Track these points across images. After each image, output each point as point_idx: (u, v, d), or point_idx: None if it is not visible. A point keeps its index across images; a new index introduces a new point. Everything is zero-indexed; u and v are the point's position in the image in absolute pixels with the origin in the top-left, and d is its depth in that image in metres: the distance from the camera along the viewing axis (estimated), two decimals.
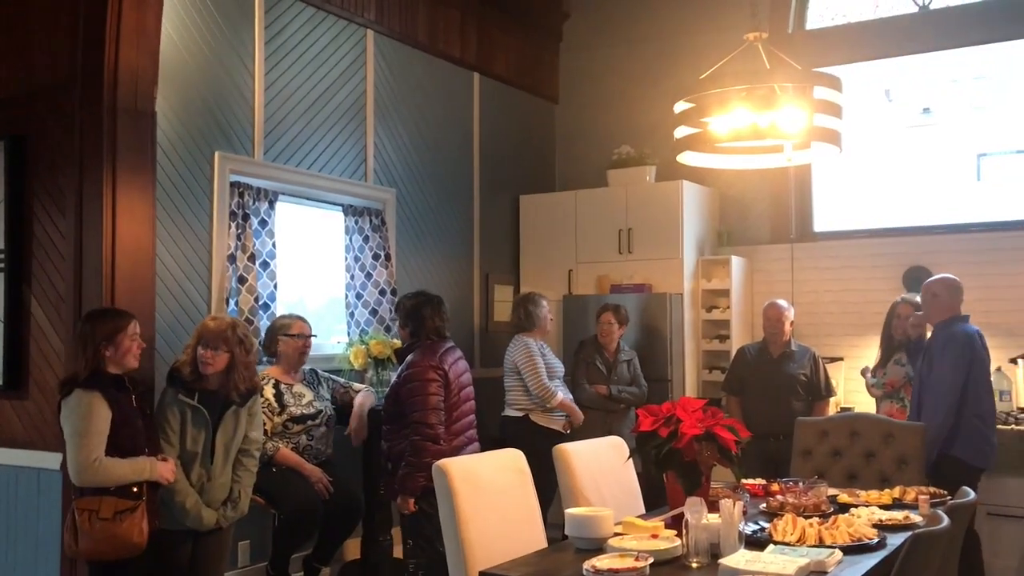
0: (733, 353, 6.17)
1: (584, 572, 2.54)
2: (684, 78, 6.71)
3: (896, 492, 3.56)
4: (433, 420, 3.96)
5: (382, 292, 5.54)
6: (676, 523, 2.98)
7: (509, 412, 5.28)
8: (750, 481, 3.75)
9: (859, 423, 4.35)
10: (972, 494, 2.96)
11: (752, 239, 6.55)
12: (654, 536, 2.85)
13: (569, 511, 2.99)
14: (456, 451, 3.97)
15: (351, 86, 5.54)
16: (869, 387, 5.19)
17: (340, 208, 5.51)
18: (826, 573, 2.56)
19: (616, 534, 2.92)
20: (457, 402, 4.13)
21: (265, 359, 4.55)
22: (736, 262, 6.28)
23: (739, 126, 3.07)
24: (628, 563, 2.54)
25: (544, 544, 3.23)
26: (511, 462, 3.37)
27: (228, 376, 3.69)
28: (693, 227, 6.31)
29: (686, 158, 3.36)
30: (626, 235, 6.35)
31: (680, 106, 3.19)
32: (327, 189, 5.36)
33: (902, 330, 5.05)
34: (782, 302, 5.33)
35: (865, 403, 5.43)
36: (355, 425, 4.49)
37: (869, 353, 5.80)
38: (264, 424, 4.19)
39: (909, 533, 2.98)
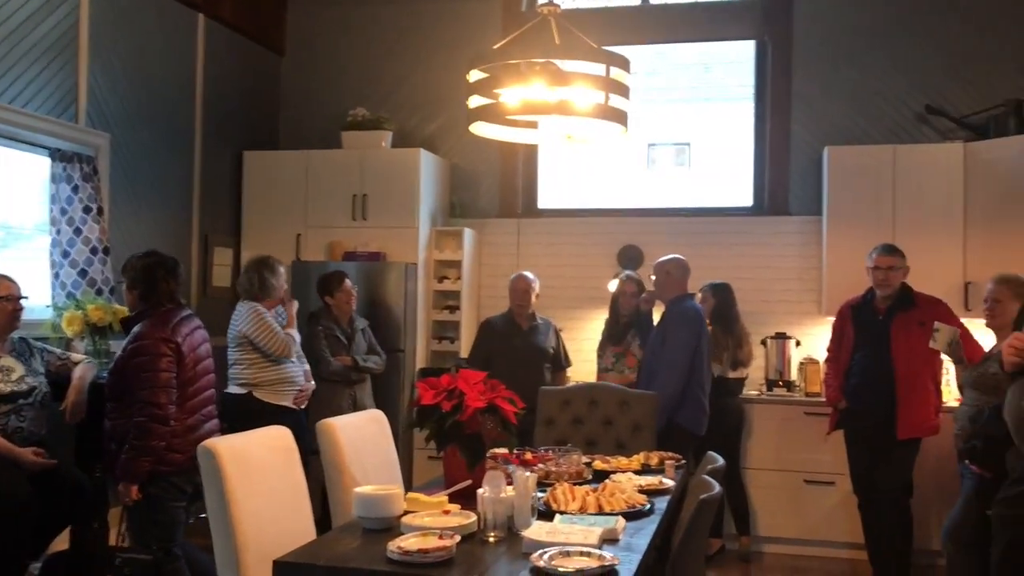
0: (463, 324, 6.28)
1: (389, 555, 2.43)
2: (424, 45, 6.71)
3: (642, 458, 3.81)
4: (163, 399, 3.57)
5: (93, 250, 4.91)
6: (459, 497, 2.95)
7: (232, 389, 4.76)
8: (501, 450, 3.80)
9: (598, 392, 4.60)
10: (720, 460, 3.24)
11: (482, 212, 6.66)
12: (446, 512, 2.80)
13: (358, 491, 2.84)
14: (190, 431, 3.64)
15: (62, 12, 4.83)
16: (604, 365, 5.41)
17: (47, 152, 4.80)
18: (618, 540, 2.67)
19: (405, 512, 2.83)
20: (193, 377, 3.75)
21: None
22: (468, 234, 6.35)
23: (532, 99, 3.07)
24: (434, 542, 2.47)
25: (312, 527, 3.07)
26: (280, 440, 3.16)
27: None
28: (428, 197, 6.29)
29: (478, 128, 3.31)
30: (361, 201, 6.18)
31: (475, 75, 3.13)
32: (31, 128, 4.64)
33: (629, 306, 5.38)
34: (528, 274, 5.46)
35: (588, 373, 5.72)
36: (73, 400, 3.96)
37: (588, 326, 6.15)
38: None
39: (667, 497, 3.26)
